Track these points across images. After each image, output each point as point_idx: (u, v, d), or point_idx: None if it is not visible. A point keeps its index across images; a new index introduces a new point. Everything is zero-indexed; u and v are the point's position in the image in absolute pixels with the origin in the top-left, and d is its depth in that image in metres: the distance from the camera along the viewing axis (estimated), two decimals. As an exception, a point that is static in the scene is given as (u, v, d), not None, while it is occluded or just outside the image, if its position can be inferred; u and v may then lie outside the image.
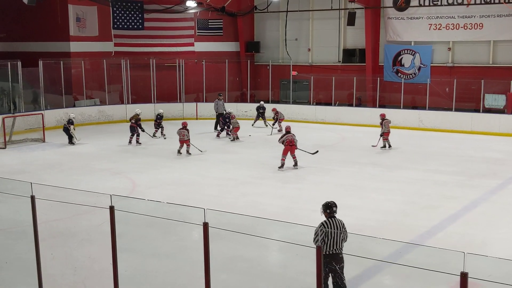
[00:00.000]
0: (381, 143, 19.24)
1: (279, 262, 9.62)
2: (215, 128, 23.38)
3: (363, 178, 15.22)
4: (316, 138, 21.95)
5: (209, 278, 6.08)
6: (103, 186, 13.71)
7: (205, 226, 5.89)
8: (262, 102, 25.86)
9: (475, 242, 10.18)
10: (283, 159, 16.14)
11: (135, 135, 20.56)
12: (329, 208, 7.36)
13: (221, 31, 29.86)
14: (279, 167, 16.09)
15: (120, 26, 28.14)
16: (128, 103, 27.23)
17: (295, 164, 16.26)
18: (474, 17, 24.65)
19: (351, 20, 25.91)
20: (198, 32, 29.35)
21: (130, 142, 20.56)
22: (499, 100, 23.72)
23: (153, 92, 27.92)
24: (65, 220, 11.20)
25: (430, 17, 25.74)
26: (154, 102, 27.58)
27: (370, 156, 18.16)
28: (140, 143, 20.48)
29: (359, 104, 26.95)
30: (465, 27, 24.97)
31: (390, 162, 17.28)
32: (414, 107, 25.83)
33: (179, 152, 18.44)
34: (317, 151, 17.47)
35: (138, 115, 21.03)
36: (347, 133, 22.16)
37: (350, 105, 26.82)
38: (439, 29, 25.62)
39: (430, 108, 24.73)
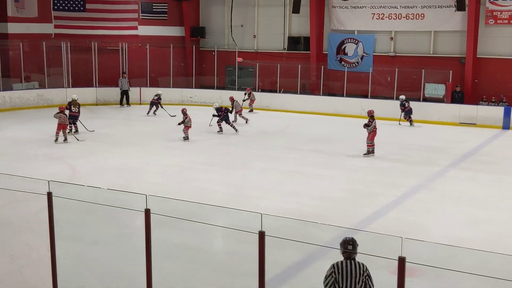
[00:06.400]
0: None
1: (223, 249, 9.60)
2: (121, 103, 26.27)
3: (307, 164, 15.37)
4: (261, 124, 22.01)
5: (151, 266, 5.99)
6: (41, 172, 13.26)
7: (147, 212, 5.79)
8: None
9: (415, 228, 10.46)
10: (372, 145, 16.47)
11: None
12: (344, 247, 5.63)
13: (166, 15, 29.40)
14: (369, 154, 16.37)
15: (61, 7, 27.27)
16: (68, 86, 26.47)
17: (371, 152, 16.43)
18: (416, 7, 25.21)
19: (296, 8, 26.00)
20: (142, 16, 28.77)
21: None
22: (439, 90, 24.41)
23: (95, 76, 27.23)
24: (2, 208, 10.80)
25: (373, 7, 26.14)
26: (96, 86, 26.94)
27: (313, 143, 18.35)
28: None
29: (303, 92, 27.16)
30: (407, 17, 25.51)
31: (332, 149, 17.51)
32: (357, 96, 26.21)
33: (56, 140, 17.56)
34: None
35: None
36: (291, 120, 22.30)
37: (295, 92, 26.99)
38: (381, 18, 26.07)
39: (372, 97, 25.16)
